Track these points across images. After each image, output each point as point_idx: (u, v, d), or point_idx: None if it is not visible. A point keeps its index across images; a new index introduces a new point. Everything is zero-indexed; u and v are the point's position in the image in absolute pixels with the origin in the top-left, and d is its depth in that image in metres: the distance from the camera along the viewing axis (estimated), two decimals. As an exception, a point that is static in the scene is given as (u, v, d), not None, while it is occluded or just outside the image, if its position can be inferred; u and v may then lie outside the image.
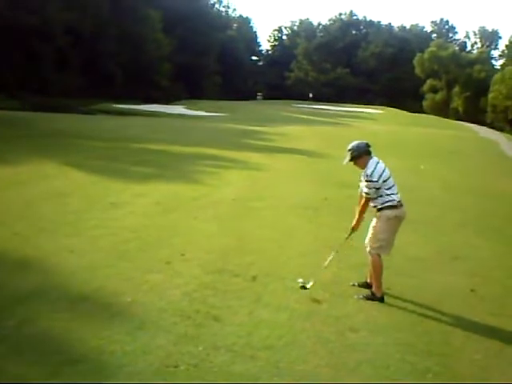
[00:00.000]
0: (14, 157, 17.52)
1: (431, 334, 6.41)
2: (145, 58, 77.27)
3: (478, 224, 12.69)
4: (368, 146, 7.45)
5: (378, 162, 7.34)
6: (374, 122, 55.07)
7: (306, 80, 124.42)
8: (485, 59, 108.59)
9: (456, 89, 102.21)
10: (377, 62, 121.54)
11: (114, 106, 59.57)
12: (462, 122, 68.71)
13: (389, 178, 7.32)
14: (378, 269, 7.32)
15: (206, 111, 57.73)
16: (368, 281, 7.60)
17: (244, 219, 11.37)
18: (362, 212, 7.50)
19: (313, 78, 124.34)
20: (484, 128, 60.46)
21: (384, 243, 7.32)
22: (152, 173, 16.63)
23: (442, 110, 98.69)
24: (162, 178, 15.62)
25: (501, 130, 67.99)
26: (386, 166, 7.39)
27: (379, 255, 7.35)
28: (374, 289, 7.32)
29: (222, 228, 10.53)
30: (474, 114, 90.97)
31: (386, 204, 7.25)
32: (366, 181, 7.27)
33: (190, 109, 62.15)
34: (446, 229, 12.02)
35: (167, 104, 68.16)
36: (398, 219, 7.35)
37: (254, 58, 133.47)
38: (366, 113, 71.36)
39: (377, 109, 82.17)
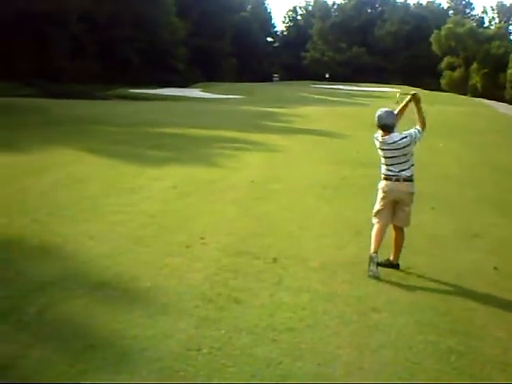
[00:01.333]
0: (29, 144, 17.50)
1: (454, 313, 6.30)
2: (160, 42, 77.37)
3: (495, 200, 12.53)
4: (381, 123, 7.43)
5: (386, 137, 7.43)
6: (391, 100, 54.57)
7: (322, 60, 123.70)
8: (503, 35, 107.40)
9: (474, 65, 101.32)
10: (393, 40, 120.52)
11: (130, 91, 59.58)
12: (480, 99, 68.06)
13: (388, 157, 7.39)
14: (373, 234, 7.47)
15: (223, 94, 57.63)
16: (391, 258, 7.55)
17: (263, 201, 11.30)
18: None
19: (329, 58, 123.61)
20: (504, 104, 59.84)
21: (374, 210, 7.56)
22: (168, 156, 16.59)
23: (461, 87, 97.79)
24: (178, 162, 15.57)
25: (520, 106, 67.21)
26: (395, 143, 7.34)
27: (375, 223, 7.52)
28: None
29: (240, 211, 10.48)
30: (493, 90, 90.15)
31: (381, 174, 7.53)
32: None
33: (207, 92, 62.11)
34: (463, 206, 11.92)
35: (184, 88, 68.03)
36: (386, 193, 7.40)
37: (269, 39, 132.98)
38: (383, 92, 70.77)
39: (394, 87, 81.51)
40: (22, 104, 34.92)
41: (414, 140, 7.33)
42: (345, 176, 14.31)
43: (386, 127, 7.36)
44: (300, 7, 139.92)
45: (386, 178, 7.40)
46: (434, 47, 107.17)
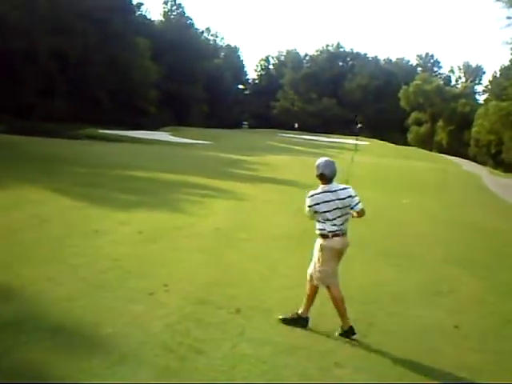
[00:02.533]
0: (-3, 181, 17.25)
1: (415, 371, 6.31)
2: (132, 84, 77.64)
3: (462, 259, 12.64)
4: (322, 171, 7.24)
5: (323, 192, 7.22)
6: (358, 153, 55.34)
7: (292, 110, 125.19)
8: (469, 94, 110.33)
9: (440, 122, 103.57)
10: (363, 93, 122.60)
11: (100, 131, 59.49)
12: (445, 155, 69.33)
13: (327, 211, 7.12)
14: (334, 300, 7.19)
15: (192, 139, 57.90)
16: (300, 311, 7.38)
17: (228, 250, 11.28)
18: None
19: (298, 108, 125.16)
20: (467, 161, 61.03)
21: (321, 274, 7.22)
22: (135, 200, 16.51)
23: (427, 142, 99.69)
24: (145, 206, 15.48)
25: (483, 164, 68.69)
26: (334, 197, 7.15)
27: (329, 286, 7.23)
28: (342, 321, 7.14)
29: (205, 259, 10.43)
30: (458, 147, 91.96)
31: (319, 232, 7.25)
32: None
33: (176, 136, 62.35)
34: (429, 263, 11.99)
35: (154, 130, 68.16)
36: (336, 250, 7.18)
37: (240, 86, 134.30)
38: (351, 144, 71.74)
39: (362, 140, 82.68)
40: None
41: (353, 194, 7.24)
42: (307, 228, 14.31)
43: (326, 176, 7.21)
44: (272, 57, 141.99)
45: (335, 235, 7.11)
46: (402, 102, 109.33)
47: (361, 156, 49.25)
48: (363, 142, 77.88)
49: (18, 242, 10.27)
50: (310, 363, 6.17)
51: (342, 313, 7.10)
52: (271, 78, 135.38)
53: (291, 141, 66.76)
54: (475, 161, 70.65)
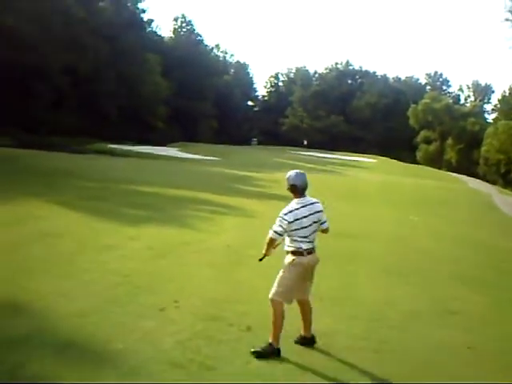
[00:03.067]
0: (2, 195, 17.19)
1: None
2: (142, 99, 78.11)
3: (472, 277, 12.60)
4: (294, 185, 7.09)
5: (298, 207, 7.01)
6: (366, 170, 55.39)
7: (301, 127, 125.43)
8: (478, 112, 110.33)
9: (449, 140, 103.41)
10: (371, 111, 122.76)
11: (109, 146, 59.67)
12: (454, 174, 69.22)
13: (305, 227, 6.97)
14: (277, 316, 6.91)
15: (200, 154, 57.93)
16: (303, 333, 7.30)
17: (238, 267, 11.24)
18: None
19: (307, 125, 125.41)
20: (476, 180, 60.90)
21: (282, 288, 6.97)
22: (144, 215, 16.45)
23: (436, 161, 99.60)
24: (154, 222, 15.42)
25: (493, 183, 68.52)
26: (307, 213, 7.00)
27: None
28: (271, 339, 6.83)
29: (216, 275, 10.39)
30: (468, 165, 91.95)
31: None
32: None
33: (184, 151, 62.43)
34: (438, 281, 11.95)
35: (162, 146, 68.33)
36: (303, 266, 7.01)
37: (249, 103, 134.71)
38: (359, 161, 71.85)
39: (370, 158, 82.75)
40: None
41: (322, 209, 7.13)
42: (318, 246, 14.21)
43: (297, 187, 7.06)
44: (282, 74, 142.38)
45: (309, 253, 7.00)
46: (411, 121, 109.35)
47: (369, 173, 49.28)
48: (371, 160, 77.97)
49: (26, 258, 10.25)
50: (323, 381, 6.14)
51: (276, 330, 6.84)
52: (280, 95, 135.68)
53: (300, 158, 66.70)
54: (485, 180, 70.51)
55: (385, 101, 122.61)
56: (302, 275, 7.01)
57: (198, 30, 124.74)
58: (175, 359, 6.25)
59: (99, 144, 60.53)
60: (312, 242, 7.05)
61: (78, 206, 16.52)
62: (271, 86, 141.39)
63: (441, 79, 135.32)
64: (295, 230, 6.92)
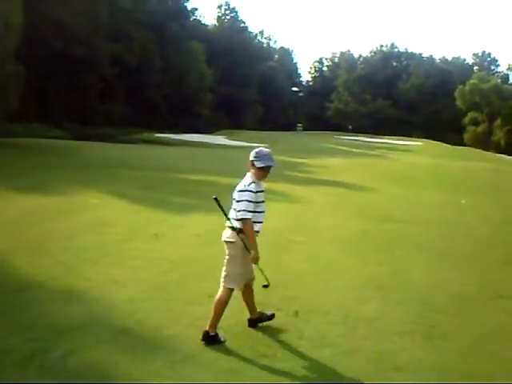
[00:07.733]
0: (58, 186, 17.78)
1: (477, 375, 6.21)
2: (188, 88, 78.58)
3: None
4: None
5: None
6: (414, 154, 54.72)
7: (346, 111, 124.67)
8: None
9: (498, 122, 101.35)
10: (417, 94, 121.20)
11: (156, 135, 60.24)
12: (503, 156, 67.95)
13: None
14: (223, 304, 6.63)
15: (247, 141, 57.95)
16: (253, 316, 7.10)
17: (285, 252, 11.31)
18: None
19: (353, 110, 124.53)
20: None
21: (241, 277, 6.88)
22: (193, 204, 16.62)
23: (484, 142, 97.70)
24: (202, 209, 15.49)
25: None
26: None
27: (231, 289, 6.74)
28: (209, 327, 6.48)
29: (262, 261, 10.38)
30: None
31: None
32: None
33: (231, 139, 62.61)
34: (488, 265, 11.73)
35: (208, 134, 68.64)
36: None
37: (294, 88, 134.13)
38: (406, 145, 70.97)
39: (416, 141, 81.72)
40: (49, 145, 35.45)
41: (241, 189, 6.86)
42: (367, 230, 14.24)
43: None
44: (326, 58, 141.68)
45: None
46: (458, 102, 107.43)
47: (416, 157, 48.69)
48: (418, 143, 76.97)
49: (80, 246, 10.52)
50: (369, 365, 6.16)
51: (216, 317, 6.54)
52: (325, 79, 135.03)
53: (346, 143, 66.21)
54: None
55: (431, 82, 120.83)
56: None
57: (241, 17, 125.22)
58: (225, 345, 6.37)
59: (148, 133, 61.23)
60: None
61: (129, 195, 16.88)
62: (315, 71, 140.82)
63: (489, 59, 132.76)
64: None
